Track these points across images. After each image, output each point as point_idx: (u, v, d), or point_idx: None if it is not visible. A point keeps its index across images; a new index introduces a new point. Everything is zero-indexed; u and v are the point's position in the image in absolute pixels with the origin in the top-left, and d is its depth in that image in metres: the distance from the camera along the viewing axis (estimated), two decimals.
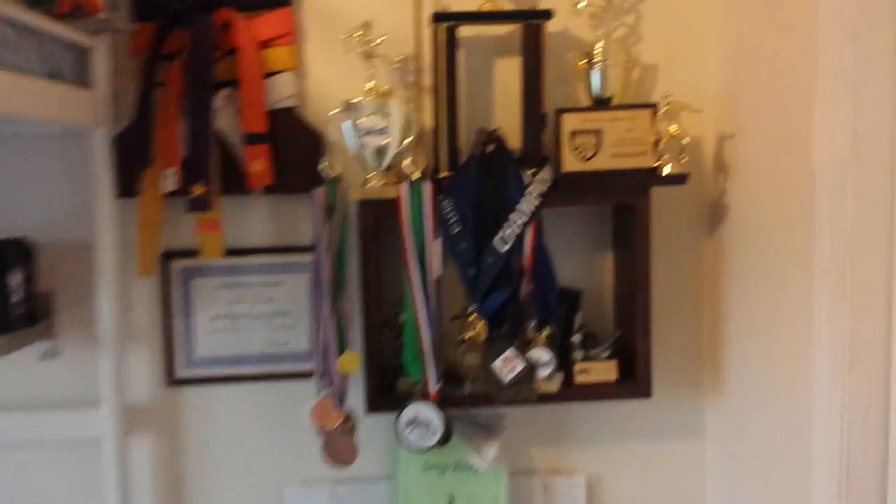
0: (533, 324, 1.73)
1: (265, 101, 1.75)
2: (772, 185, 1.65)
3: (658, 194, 1.76)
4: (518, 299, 1.71)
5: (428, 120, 1.81)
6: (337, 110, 1.71)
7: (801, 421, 1.55)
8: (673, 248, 1.92)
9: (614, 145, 1.69)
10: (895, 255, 1.40)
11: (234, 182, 1.75)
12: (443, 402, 1.70)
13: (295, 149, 1.77)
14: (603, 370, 1.79)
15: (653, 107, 1.71)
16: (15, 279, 1.66)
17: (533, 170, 1.71)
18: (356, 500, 1.90)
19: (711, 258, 1.93)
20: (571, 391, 1.78)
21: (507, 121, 1.79)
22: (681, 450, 1.98)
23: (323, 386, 1.71)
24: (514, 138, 1.75)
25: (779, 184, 1.62)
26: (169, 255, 1.83)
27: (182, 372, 1.87)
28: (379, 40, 1.71)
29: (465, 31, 1.79)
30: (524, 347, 1.71)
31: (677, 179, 1.71)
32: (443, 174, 1.73)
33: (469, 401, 1.76)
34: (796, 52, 1.54)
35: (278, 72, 1.78)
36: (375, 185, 1.70)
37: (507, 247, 1.69)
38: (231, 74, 1.73)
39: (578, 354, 1.80)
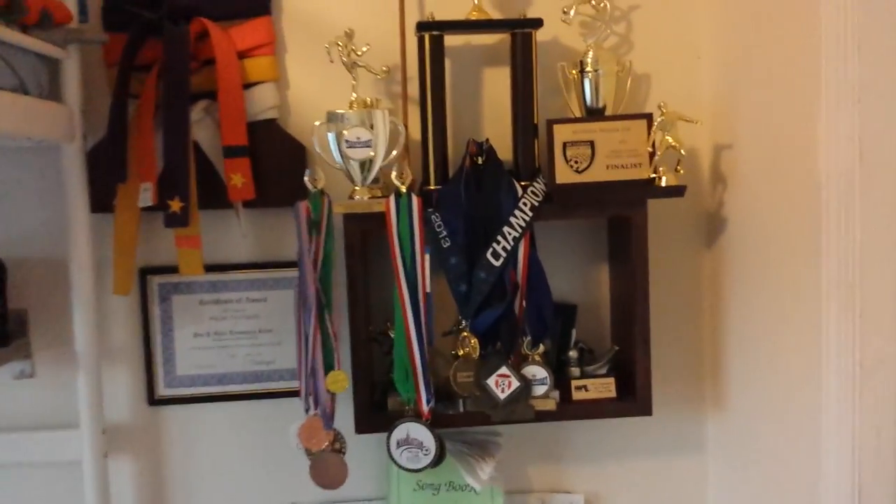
0: (527, 340, 1.69)
1: (245, 112, 1.71)
2: (773, 197, 1.63)
3: (653, 206, 1.73)
4: (512, 315, 1.67)
5: (415, 131, 1.77)
6: (320, 122, 1.68)
7: (809, 439, 1.52)
8: (670, 260, 1.90)
9: (608, 157, 1.67)
10: None
11: (215, 196, 1.72)
12: (435, 421, 1.66)
13: (277, 161, 1.75)
14: (601, 387, 1.76)
15: (648, 117, 1.68)
16: None
17: (525, 182, 1.68)
18: None
19: (710, 270, 1.91)
20: (569, 409, 1.74)
21: (497, 132, 1.77)
22: (681, 467, 1.96)
23: (310, 406, 1.67)
24: (503, 150, 1.72)
25: (781, 195, 1.59)
26: (147, 272, 1.81)
27: (163, 391, 1.84)
28: (363, 49, 1.67)
29: (453, 39, 1.77)
30: (519, 364, 1.68)
31: (675, 191, 1.69)
32: (431, 187, 1.70)
33: (463, 420, 1.73)
34: (796, 61, 1.51)
35: (258, 82, 1.75)
36: (361, 198, 1.67)
37: (499, 261, 1.65)
38: (209, 85, 1.70)
39: (575, 370, 1.78)
